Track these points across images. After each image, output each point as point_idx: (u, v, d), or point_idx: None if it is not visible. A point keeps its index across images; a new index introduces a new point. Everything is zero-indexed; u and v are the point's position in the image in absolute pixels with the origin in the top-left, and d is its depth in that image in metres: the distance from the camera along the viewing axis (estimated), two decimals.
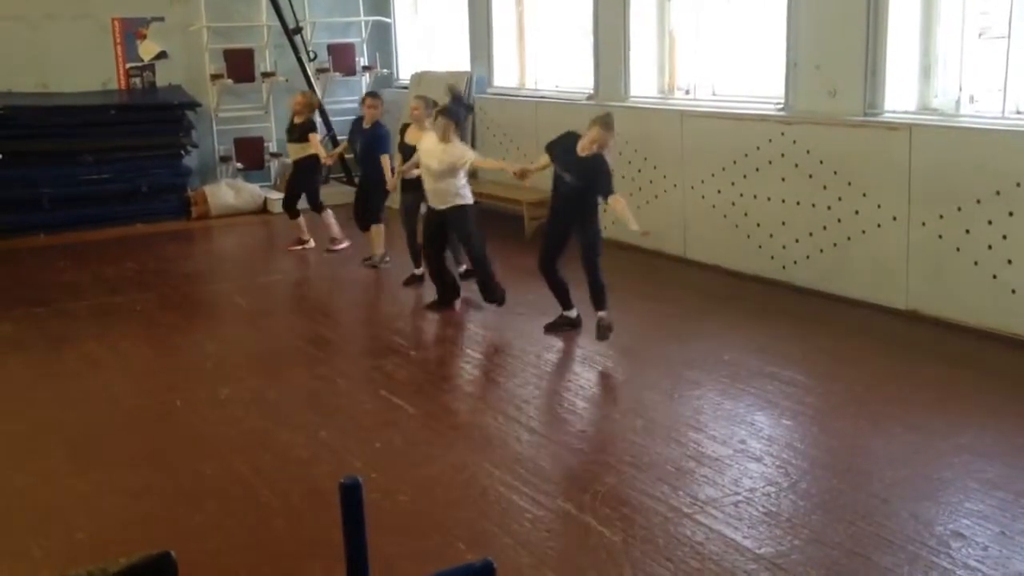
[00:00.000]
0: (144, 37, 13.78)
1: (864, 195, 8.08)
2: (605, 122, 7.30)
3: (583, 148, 7.32)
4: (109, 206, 12.75)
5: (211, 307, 9.56)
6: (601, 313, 7.44)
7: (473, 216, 8.39)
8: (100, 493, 5.42)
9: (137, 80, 13.83)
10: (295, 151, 10.83)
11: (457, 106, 8.54)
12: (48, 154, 12.53)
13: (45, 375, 7.50)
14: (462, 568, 2.99)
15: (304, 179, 10.98)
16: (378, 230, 10.18)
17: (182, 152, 13.37)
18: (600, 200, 7.42)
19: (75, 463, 5.83)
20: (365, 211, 10.20)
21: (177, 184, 13.35)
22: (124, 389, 7.07)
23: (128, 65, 13.76)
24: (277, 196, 13.79)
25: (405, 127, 9.42)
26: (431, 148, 8.22)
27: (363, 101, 10.37)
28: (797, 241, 8.72)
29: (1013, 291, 7.12)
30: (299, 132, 10.75)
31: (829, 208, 8.38)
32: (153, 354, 7.94)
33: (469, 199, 8.34)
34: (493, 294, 8.40)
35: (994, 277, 7.23)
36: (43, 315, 8.90)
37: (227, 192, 13.53)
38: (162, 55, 13.89)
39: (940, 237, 7.56)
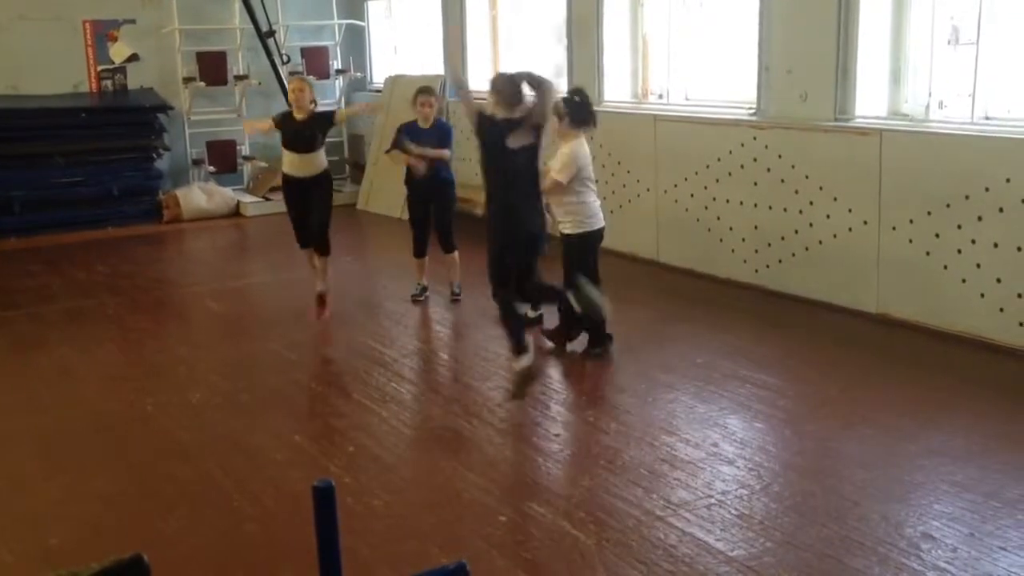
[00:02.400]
0: (116, 39, 13.72)
1: (835, 199, 8.14)
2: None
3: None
4: (80, 209, 12.68)
5: (183, 311, 9.52)
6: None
7: (578, 252, 7.19)
8: (72, 498, 5.38)
9: (108, 83, 13.76)
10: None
11: (573, 101, 7.21)
12: (19, 157, 12.45)
13: (16, 379, 7.45)
14: (436, 571, 3.01)
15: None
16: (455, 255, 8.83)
17: (154, 155, 13.32)
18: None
19: (47, 468, 5.79)
20: (446, 228, 8.78)
21: (149, 187, 13.30)
22: (96, 393, 7.03)
23: (99, 67, 13.70)
24: (250, 199, 13.76)
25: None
26: None
27: (414, 100, 8.58)
28: (769, 245, 8.78)
29: (982, 295, 7.19)
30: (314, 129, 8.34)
31: (800, 212, 8.44)
32: (125, 358, 7.90)
33: (577, 226, 7.15)
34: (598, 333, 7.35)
35: (963, 281, 7.30)
36: (14, 319, 8.83)
37: (199, 195, 13.48)
38: (134, 58, 13.82)
39: (910, 241, 7.62)
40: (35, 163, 12.50)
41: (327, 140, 8.43)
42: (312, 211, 8.23)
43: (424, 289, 8.96)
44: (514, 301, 6.54)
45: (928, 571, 4.36)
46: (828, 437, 5.91)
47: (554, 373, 7.16)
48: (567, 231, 7.22)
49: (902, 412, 6.16)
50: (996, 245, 7.06)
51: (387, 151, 9.03)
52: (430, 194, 8.68)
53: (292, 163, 8.16)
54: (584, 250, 7.23)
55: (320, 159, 8.24)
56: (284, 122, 8.21)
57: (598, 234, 7.30)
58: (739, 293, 8.91)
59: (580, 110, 7.16)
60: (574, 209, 7.18)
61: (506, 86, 6.44)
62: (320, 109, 8.56)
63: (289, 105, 8.51)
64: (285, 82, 13.76)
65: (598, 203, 7.34)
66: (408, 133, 8.53)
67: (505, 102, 6.37)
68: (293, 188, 8.26)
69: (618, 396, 6.74)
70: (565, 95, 7.27)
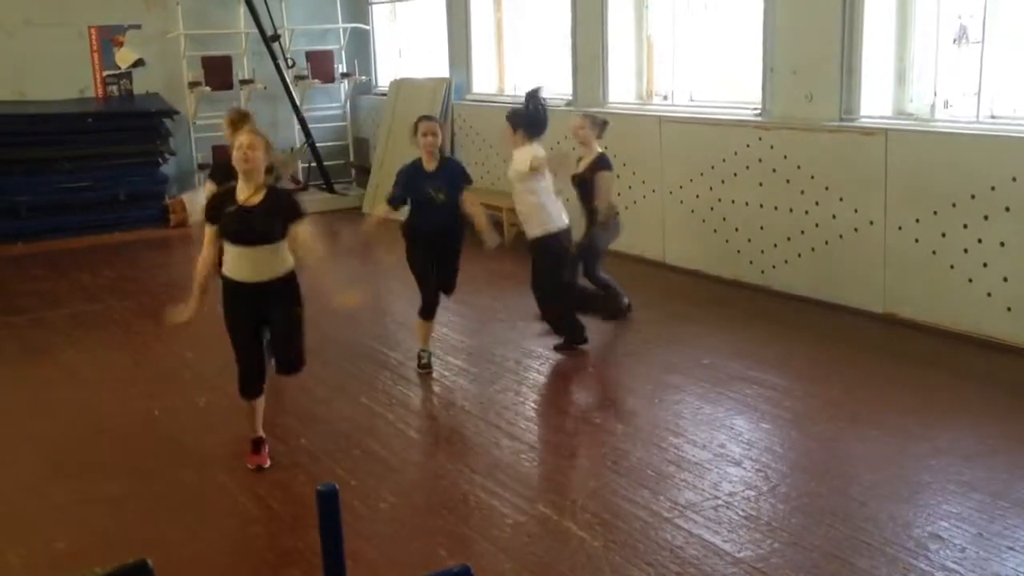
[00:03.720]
0: (121, 45, 13.73)
1: (841, 199, 8.12)
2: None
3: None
4: (87, 214, 12.67)
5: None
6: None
7: (549, 254, 7.24)
8: (79, 502, 5.39)
9: (114, 88, 13.77)
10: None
11: (528, 106, 7.31)
12: (25, 162, 12.46)
13: (22, 384, 7.46)
14: (440, 574, 3.01)
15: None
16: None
17: (160, 160, 13.32)
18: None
19: (53, 472, 5.80)
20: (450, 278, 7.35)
21: (155, 192, 13.29)
22: (102, 398, 7.04)
23: (105, 73, 13.70)
24: None
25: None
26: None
27: (414, 131, 7.01)
28: (775, 246, 8.76)
29: (989, 294, 7.17)
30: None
31: (806, 213, 8.43)
32: (131, 362, 7.91)
33: (543, 228, 7.20)
34: (571, 333, 7.46)
35: (970, 280, 7.28)
36: (20, 324, 8.84)
37: (205, 200, 13.48)
38: (139, 63, 13.84)
39: (916, 241, 7.61)
40: (41, 168, 12.51)
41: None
42: (273, 331, 5.66)
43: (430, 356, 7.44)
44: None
45: (936, 571, 4.35)
46: (835, 438, 5.89)
47: (559, 375, 7.14)
48: (535, 234, 7.20)
49: (909, 412, 6.14)
50: (1003, 244, 7.05)
51: (388, 204, 7.22)
52: (438, 244, 7.21)
53: (238, 262, 5.49)
54: (557, 251, 7.24)
55: (282, 255, 5.55)
56: (223, 202, 5.52)
57: (566, 233, 7.31)
58: (745, 294, 8.90)
59: (533, 122, 7.22)
60: (536, 212, 7.19)
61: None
62: (281, 186, 5.98)
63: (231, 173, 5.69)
64: (291, 86, 13.80)
65: (560, 204, 7.34)
66: (410, 179, 7.06)
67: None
68: (241, 299, 5.54)
69: (624, 397, 6.74)
70: (518, 105, 7.36)
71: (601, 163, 7.80)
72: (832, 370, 6.97)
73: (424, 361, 7.29)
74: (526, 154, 7.15)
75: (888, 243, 7.81)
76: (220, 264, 5.63)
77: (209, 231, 5.53)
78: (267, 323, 5.61)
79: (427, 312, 7.26)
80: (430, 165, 7.00)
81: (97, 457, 6.02)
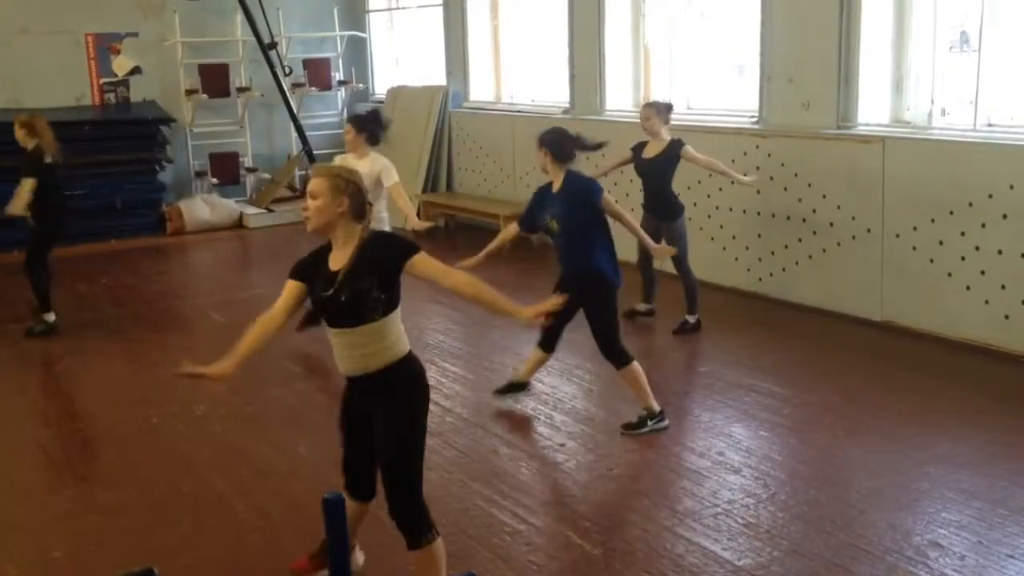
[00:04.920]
0: (118, 52, 13.74)
1: (838, 207, 8.14)
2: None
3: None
4: (83, 222, 12.62)
5: (187, 323, 9.50)
6: None
7: None
8: (76, 510, 5.37)
9: (111, 95, 13.78)
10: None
11: (369, 119, 7.61)
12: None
13: (19, 392, 7.44)
14: None
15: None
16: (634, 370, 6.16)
17: (157, 168, 13.34)
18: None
19: (50, 480, 5.78)
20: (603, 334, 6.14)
21: (152, 200, 13.30)
22: (99, 406, 7.02)
23: (102, 80, 13.71)
24: (253, 211, 13.76)
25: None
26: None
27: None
28: (772, 253, 8.77)
29: (986, 301, 7.18)
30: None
31: (804, 220, 8.44)
32: (128, 370, 7.89)
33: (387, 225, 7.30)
34: None
35: (967, 288, 7.29)
36: (17, 332, 8.80)
37: (202, 207, 13.49)
38: (136, 70, 13.84)
39: (914, 249, 7.62)
40: None
41: None
42: (377, 443, 4.23)
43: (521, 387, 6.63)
44: None
45: None
46: (833, 445, 5.89)
47: (557, 383, 7.14)
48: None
49: (907, 420, 6.15)
50: (1000, 252, 7.06)
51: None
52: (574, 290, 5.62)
53: (333, 348, 4.35)
54: None
55: (385, 339, 4.13)
56: (316, 260, 4.26)
57: None
58: (742, 302, 8.91)
59: (376, 128, 7.48)
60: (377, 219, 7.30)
61: None
62: (382, 230, 4.68)
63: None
64: (288, 94, 13.78)
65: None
66: (537, 200, 6.13)
67: None
68: (348, 394, 4.49)
69: (622, 406, 6.72)
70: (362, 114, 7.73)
71: (678, 144, 7.81)
72: (830, 378, 6.97)
73: (513, 381, 6.59)
74: (376, 164, 7.37)
75: (886, 251, 7.82)
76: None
77: (288, 287, 4.31)
78: (369, 442, 4.27)
79: (548, 343, 6.35)
80: (556, 185, 5.97)
81: (94, 465, 6.01)
